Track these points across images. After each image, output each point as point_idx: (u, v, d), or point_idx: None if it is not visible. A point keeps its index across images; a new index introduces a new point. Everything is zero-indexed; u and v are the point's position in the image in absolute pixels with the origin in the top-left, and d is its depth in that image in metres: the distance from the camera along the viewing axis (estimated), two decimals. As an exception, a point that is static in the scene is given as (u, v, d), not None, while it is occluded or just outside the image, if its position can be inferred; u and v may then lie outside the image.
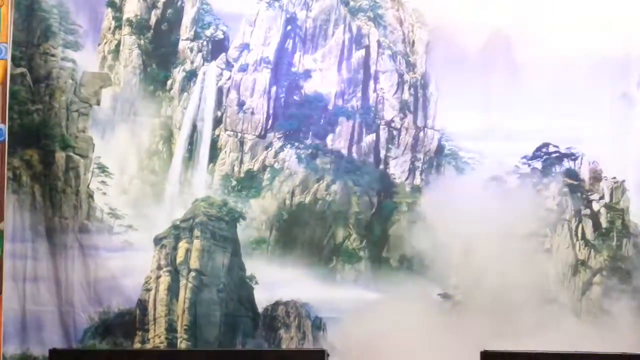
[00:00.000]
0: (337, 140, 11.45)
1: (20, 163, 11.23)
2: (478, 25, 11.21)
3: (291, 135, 11.42)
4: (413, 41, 11.55)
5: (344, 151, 11.43)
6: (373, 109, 11.49)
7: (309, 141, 11.43)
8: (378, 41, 11.54)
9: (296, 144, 11.34)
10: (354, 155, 11.41)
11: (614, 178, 11.14)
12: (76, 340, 11.03)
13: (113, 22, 11.61)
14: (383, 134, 11.47)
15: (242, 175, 11.38)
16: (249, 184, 11.33)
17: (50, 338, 10.91)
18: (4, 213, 10.64)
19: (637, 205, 11.01)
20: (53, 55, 11.42)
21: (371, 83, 11.52)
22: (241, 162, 11.37)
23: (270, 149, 11.33)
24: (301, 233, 11.18)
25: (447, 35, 11.33)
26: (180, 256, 11.18)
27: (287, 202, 11.31)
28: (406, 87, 11.52)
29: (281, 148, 11.41)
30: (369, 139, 11.45)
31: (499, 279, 11.04)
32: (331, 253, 11.18)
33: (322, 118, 11.46)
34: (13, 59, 11.00)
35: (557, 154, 11.19)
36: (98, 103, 11.39)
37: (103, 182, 11.35)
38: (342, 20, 11.53)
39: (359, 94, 11.49)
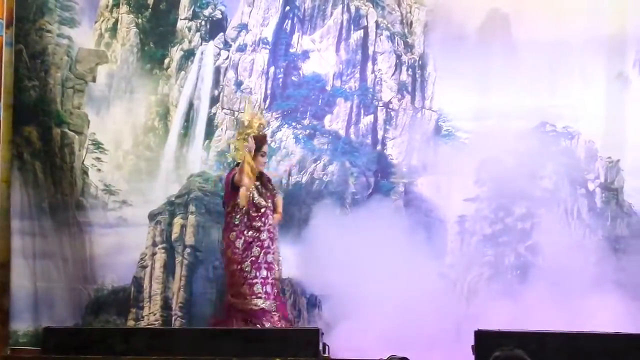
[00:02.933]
0: (335, 121, 11.80)
1: (21, 140, 11.66)
2: (476, 5, 11.57)
3: (289, 115, 11.75)
4: (411, 22, 11.88)
5: (342, 132, 11.75)
6: (371, 90, 11.82)
7: (306, 121, 11.76)
8: (376, 22, 11.88)
9: (293, 123, 11.66)
10: (352, 136, 11.75)
11: (609, 158, 11.41)
12: (82, 316, 11.38)
13: (111, 0, 12.04)
14: (381, 115, 11.82)
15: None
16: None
17: (60, 314, 11.28)
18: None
19: (631, 185, 11.28)
20: (49, 32, 11.81)
21: (369, 64, 11.84)
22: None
23: (267, 128, 11.45)
24: (297, 212, 11.43)
25: (445, 16, 11.65)
26: (175, 232, 11.49)
27: (284, 181, 11.58)
28: (404, 68, 11.84)
29: (278, 128, 11.74)
30: (366, 120, 11.79)
31: (495, 259, 11.45)
32: (326, 230, 11.34)
33: (320, 99, 11.79)
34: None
35: (554, 134, 11.46)
36: (94, 80, 11.79)
37: (98, 159, 11.69)
38: (341, 1, 11.88)
39: (357, 75, 11.83)
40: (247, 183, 9.22)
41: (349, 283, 10.96)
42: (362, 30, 11.88)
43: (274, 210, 9.56)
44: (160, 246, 11.47)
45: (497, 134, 11.37)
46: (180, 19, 11.97)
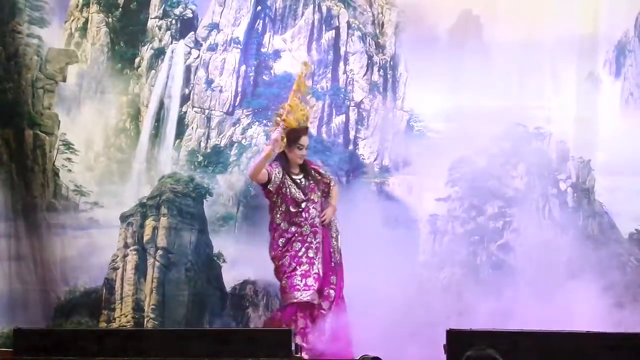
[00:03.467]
0: None
1: (1, 142, 11.60)
2: (447, 6, 11.62)
3: (259, 112, 11.76)
4: (382, 23, 11.93)
5: (314, 131, 11.60)
6: (343, 90, 11.87)
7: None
8: (348, 22, 11.92)
9: (264, 121, 11.62)
10: (324, 135, 11.79)
11: (580, 158, 11.51)
12: (52, 319, 11.29)
13: (80, 0, 11.99)
14: (353, 115, 11.87)
15: (208, 150, 11.68)
16: (215, 159, 11.62)
17: (34, 316, 11.19)
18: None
19: (602, 185, 11.39)
20: (19, 33, 11.72)
21: (341, 64, 11.90)
22: (208, 137, 11.67)
23: (238, 125, 11.68)
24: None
25: (417, 17, 11.69)
26: (147, 234, 11.45)
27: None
28: (376, 68, 11.90)
29: (249, 125, 11.75)
30: (338, 119, 11.85)
31: (467, 258, 11.51)
32: None
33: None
34: (-16, 38, 11.26)
35: (525, 134, 11.53)
36: (64, 80, 11.71)
37: (68, 159, 11.62)
38: (312, 1, 11.91)
39: (329, 75, 11.87)
40: (261, 177, 8.35)
41: None
42: (333, 31, 11.93)
43: (327, 202, 8.65)
44: (131, 248, 11.44)
45: (469, 134, 11.40)
46: (151, 18, 11.94)
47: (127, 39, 11.96)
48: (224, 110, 11.73)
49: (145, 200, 11.52)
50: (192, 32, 11.96)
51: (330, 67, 11.88)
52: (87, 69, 11.82)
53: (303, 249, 8.38)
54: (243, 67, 11.85)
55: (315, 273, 8.43)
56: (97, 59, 11.85)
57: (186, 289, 11.32)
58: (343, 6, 11.95)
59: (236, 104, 11.75)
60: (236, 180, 11.56)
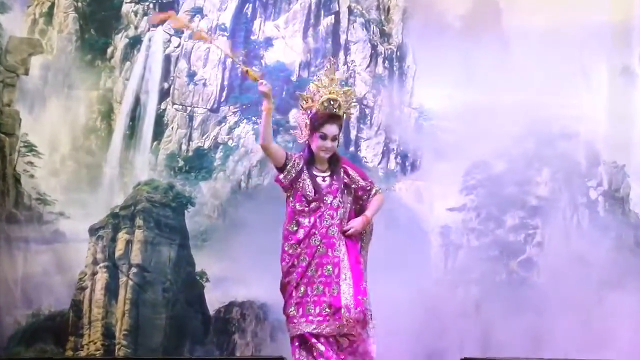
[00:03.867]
0: None
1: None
2: None
3: (248, 109, 11.07)
4: (388, 8, 11.35)
5: None
6: (343, 83, 11.11)
7: None
8: (349, 7, 11.31)
9: (254, 118, 10.98)
10: None
11: (614, 162, 10.84)
12: (6, 347, 10.43)
13: (46, -19, 11.20)
14: (354, 112, 11.12)
15: (190, 153, 11.01)
16: (198, 164, 10.96)
17: None
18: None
19: (639, 193, 10.71)
20: (-25, 18, 10.91)
21: (341, 54, 11.30)
22: (190, 139, 11.00)
23: (223, 124, 11.01)
24: (259, 221, 10.39)
25: (427, 1, 11.17)
26: (119, 249, 10.69)
27: (243, 184, 10.89)
28: (380, 59, 11.31)
29: (236, 123, 11.09)
30: None
31: (483, 276, 10.66)
32: None
33: (284, 91, 11.11)
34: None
35: (550, 135, 10.87)
36: (26, 73, 10.89)
37: (31, 163, 10.79)
38: None
39: (327, 66, 11.14)
40: (275, 153, 7.09)
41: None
42: (332, 16, 11.28)
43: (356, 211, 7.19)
44: (101, 265, 10.61)
45: (486, 134, 10.71)
46: (125, 2, 11.25)
47: (99, 26, 11.21)
48: (208, 107, 11.01)
49: (117, 211, 10.70)
50: None
51: (329, 57, 11.04)
52: (53, 60, 11.03)
53: (314, 266, 6.74)
54: (230, 58, 10.89)
55: (332, 296, 6.72)
56: (64, 49, 11.06)
57: (164, 311, 10.54)
58: (344, -12, 11.22)
59: (222, 100, 11.03)
60: (222, 187, 10.82)
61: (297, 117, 7.16)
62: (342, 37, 11.19)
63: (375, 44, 11.20)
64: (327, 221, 6.77)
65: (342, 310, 6.64)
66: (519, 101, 10.64)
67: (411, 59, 11.17)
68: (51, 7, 11.10)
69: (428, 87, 10.90)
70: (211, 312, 10.65)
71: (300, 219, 6.76)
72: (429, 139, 11.03)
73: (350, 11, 11.22)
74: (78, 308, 10.57)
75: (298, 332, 6.71)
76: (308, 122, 6.83)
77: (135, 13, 11.16)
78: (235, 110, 11.00)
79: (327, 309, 6.65)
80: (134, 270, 10.61)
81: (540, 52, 10.66)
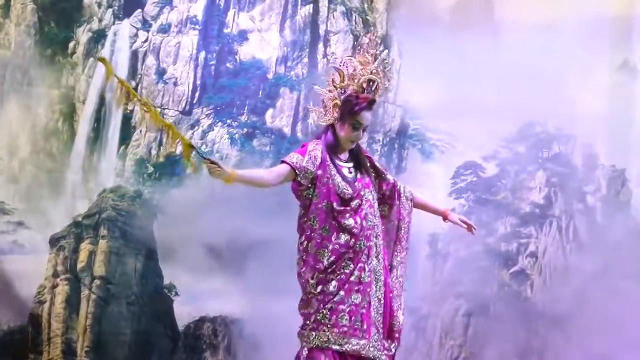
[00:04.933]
0: (279, 117, 10.80)
1: None
2: None
3: (223, 110, 10.71)
4: None
5: (287, 130, 10.77)
6: (322, 78, 10.70)
7: (244, 118, 10.73)
8: None
9: (229, 121, 10.65)
10: (299, 134, 10.80)
11: (613, 166, 10.37)
12: None
13: (2, -30, 10.80)
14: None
15: (161, 160, 10.64)
16: (169, 170, 10.59)
17: None
18: None
19: None
20: None
21: (320, 46, 10.91)
22: (160, 143, 10.59)
23: (196, 127, 10.65)
24: (233, 232, 10.23)
25: None
26: (81, 260, 10.34)
27: (217, 192, 10.14)
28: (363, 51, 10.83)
29: (210, 127, 10.74)
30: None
31: (473, 289, 10.17)
32: (270, 256, 10.16)
33: (261, 89, 10.77)
34: None
35: (545, 136, 10.47)
36: None
37: None
38: None
39: (306, 60, 10.88)
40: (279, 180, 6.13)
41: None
42: (311, 5, 10.89)
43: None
44: (62, 277, 10.26)
45: (476, 135, 10.34)
46: None
47: (59, 19, 10.83)
48: (179, 109, 10.63)
49: (80, 219, 10.36)
50: (140, 10, 10.85)
51: (307, 50, 10.84)
52: (10, 56, 10.70)
53: (357, 272, 6.05)
54: (202, 54, 10.71)
55: (374, 310, 6.17)
56: (23, 44, 10.70)
57: (129, 327, 10.21)
58: (323, -25, 10.87)
59: (194, 101, 10.65)
60: (194, 196, 10.38)
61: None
62: (322, 28, 10.82)
63: (358, 34, 10.81)
64: (370, 221, 5.77)
65: (373, 330, 5.64)
66: (512, 99, 10.14)
67: (396, 51, 10.75)
68: (7, -1, 10.72)
69: (414, 83, 10.45)
70: (180, 327, 10.39)
71: (342, 221, 5.72)
72: (415, 139, 10.72)
73: (330, 0, 10.91)
74: (37, 323, 10.26)
75: (319, 343, 5.59)
76: (339, 103, 5.73)
77: (99, 4, 10.81)
78: (209, 112, 10.67)
79: (359, 323, 5.65)
80: (97, 282, 10.30)
81: (535, 46, 10.18)
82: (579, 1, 10.14)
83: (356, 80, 5.68)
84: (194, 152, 5.47)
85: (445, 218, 6.08)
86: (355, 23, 10.83)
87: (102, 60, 5.68)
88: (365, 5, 10.91)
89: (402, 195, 5.89)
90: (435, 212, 6.09)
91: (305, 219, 5.68)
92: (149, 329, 10.30)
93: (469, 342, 9.96)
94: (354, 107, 5.63)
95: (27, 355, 10.21)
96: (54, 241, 10.35)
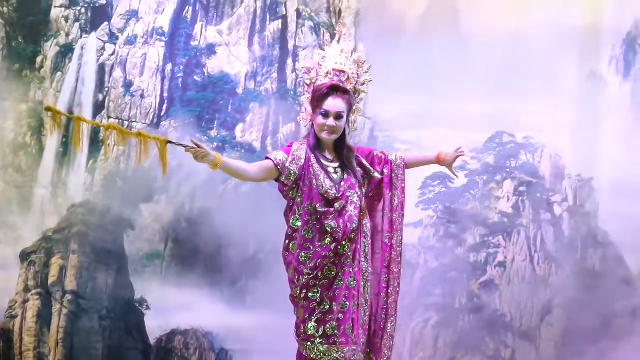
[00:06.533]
0: (249, 131, 10.75)
1: None
2: None
3: (191, 124, 10.63)
4: (340, 10, 10.92)
5: (257, 144, 10.71)
6: (292, 92, 10.81)
7: (213, 132, 10.69)
8: (297, 10, 10.91)
9: (198, 135, 10.48)
10: (269, 149, 10.59)
11: (579, 175, 10.41)
12: None
13: (-33, -15, 10.71)
14: (303, 123, 10.72)
15: (129, 173, 10.56)
16: (138, 185, 10.48)
17: None
18: None
19: (607, 209, 10.15)
20: None
21: (289, 61, 10.89)
22: (128, 157, 10.52)
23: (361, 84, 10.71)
24: (204, 245, 10.27)
25: (381, 3, 10.72)
26: (52, 275, 10.28)
27: (187, 207, 10.44)
28: None
29: (178, 140, 10.58)
30: (286, 129, 10.81)
31: (443, 300, 10.25)
32: (240, 270, 10.31)
33: (230, 104, 10.73)
34: None
35: (513, 145, 10.50)
36: None
37: None
38: None
39: (275, 75, 10.83)
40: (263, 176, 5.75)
41: (269, 335, 9.53)
42: (280, 21, 10.86)
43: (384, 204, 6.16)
44: (33, 292, 10.22)
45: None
46: (55, 7, 10.75)
47: (27, 33, 10.75)
48: (147, 122, 10.56)
49: (50, 234, 10.31)
50: (107, 23, 10.78)
51: (277, 65, 10.81)
52: None
53: (341, 276, 5.78)
54: (169, 66, 10.63)
55: (363, 312, 5.90)
56: None
57: (100, 340, 10.17)
58: (291, -10, 10.83)
59: (162, 114, 10.57)
60: (164, 210, 10.42)
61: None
62: (290, 43, 10.81)
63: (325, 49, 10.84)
64: (355, 223, 5.77)
65: (360, 332, 5.83)
66: (480, 109, 10.19)
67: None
68: (-26, 13, 10.61)
69: (383, 95, 10.34)
70: (152, 341, 10.33)
71: (325, 222, 5.71)
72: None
73: (299, 14, 10.82)
74: (8, 337, 10.19)
75: (313, 356, 5.80)
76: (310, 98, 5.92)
77: (66, 19, 10.70)
78: (177, 125, 10.58)
79: (350, 330, 5.78)
80: (68, 297, 10.24)
81: (501, 56, 10.21)
82: (546, 12, 10.13)
83: (322, 72, 5.91)
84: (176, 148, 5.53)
85: (439, 163, 6.21)
86: (323, 37, 10.86)
87: (49, 109, 5.57)
88: (333, 20, 10.86)
89: (392, 179, 6.02)
90: (430, 162, 6.30)
91: (288, 218, 5.75)
92: (121, 342, 10.26)
93: (438, 354, 9.96)
94: (316, 94, 5.80)
95: (-2, 369, 10.15)
96: (25, 256, 10.30)
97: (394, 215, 5.93)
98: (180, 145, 5.48)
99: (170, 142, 5.47)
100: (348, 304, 5.69)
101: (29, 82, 10.65)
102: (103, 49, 10.70)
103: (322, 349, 5.68)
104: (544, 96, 10.18)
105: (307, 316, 5.68)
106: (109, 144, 9.97)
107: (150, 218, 10.44)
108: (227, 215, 10.21)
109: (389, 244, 5.88)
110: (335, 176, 5.75)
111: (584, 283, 10.01)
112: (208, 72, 10.65)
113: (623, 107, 10.36)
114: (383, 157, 5.97)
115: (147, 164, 10.35)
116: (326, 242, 5.64)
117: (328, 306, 5.66)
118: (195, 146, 5.47)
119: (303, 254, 5.68)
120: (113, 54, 10.68)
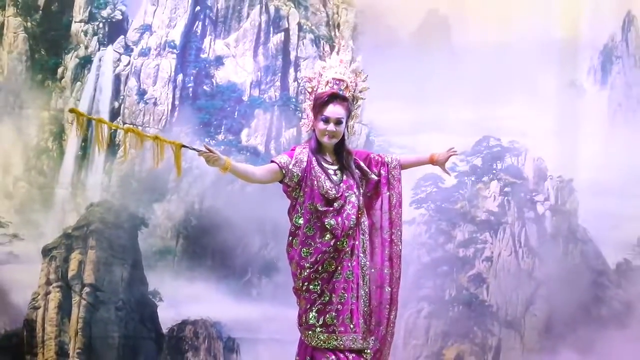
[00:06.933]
0: (253, 136, 11.10)
1: None
2: (412, 5, 10.94)
3: (201, 129, 10.97)
4: (338, 24, 11.25)
5: (261, 148, 11.04)
6: (293, 100, 11.13)
7: (221, 136, 11.02)
8: (299, 24, 11.23)
9: (206, 139, 10.82)
10: (272, 152, 10.93)
11: (560, 177, 10.82)
12: None
13: (-5, 1, 11.05)
14: (305, 128, 11.07)
15: (143, 174, 10.88)
16: (152, 185, 10.85)
17: None
18: None
19: (586, 208, 10.63)
20: None
21: (291, 71, 11.21)
22: (143, 159, 10.81)
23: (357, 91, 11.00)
24: (212, 242, 10.66)
25: (377, 18, 11.02)
26: (72, 269, 10.65)
27: (196, 206, 10.84)
28: None
29: (189, 144, 10.93)
30: (288, 134, 11.11)
31: (434, 292, 10.71)
32: (245, 264, 10.71)
33: (236, 110, 11.07)
34: None
35: (499, 149, 10.87)
36: None
37: None
38: (258, 1, 11.20)
39: (278, 84, 11.15)
40: (268, 178, 6.23)
41: (273, 325, 10.18)
42: (282, 33, 11.20)
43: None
44: (54, 285, 10.61)
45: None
46: (75, 22, 11.11)
47: (49, 46, 11.10)
48: (159, 127, 10.88)
49: (70, 231, 10.68)
50: (122, 36, 11.13)
51: (279, 74, 11.15)
52: (4, 81, 10.93)
53: (340, 270, 6.13)
54: (180, 76, 11.03)
55: (363, 303, 6.28)
56: (15, 69, 10.97)
57: (116, 330, 10.55)
58: (293, 6, 11.20)
59: (174, 120, 10.94)
60: (175, 209, 10.77)
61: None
62: (292, 54, 11.13)
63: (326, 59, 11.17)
64: (353, 221, 6.16)
65: (361, 321, 6.19)
66: (468, 116, 10.62)
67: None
68: (0, 27, 10.98)
69: (379, 103, 10.59)
70: (164, 330, 10.63)
71: (325, 221, 6.09)
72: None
73: (300, 28, 11.14)
74: (31, 327, 10.56)
75: (314, 344, 6.17)
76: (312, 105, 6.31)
77: (85, 33, 11.04)
78: (187, 130, 10.88)
79: (348, 319, 6.16)
80: (86, 289, 10.58)
81: (489, 66, 10.58)
82: (529, 25, 10.54)
83: (323, 81, 6.38)
84: (188, 151, 6.00)
85: (432, 163, 6.79)
86: (323, 49, 11.02)
87: (73, 110, 6.05)
88: (332, 33, 11.16)
89: (389, 180, 6.48)
90: (424, 163, 6.86)
91: (291, 216, 6.21)
92: (135, 332, 10.59)
93: (430, 342, 10.41)
94: (317, 101, 6.26)
95: (23, 356, 10.53)
96: (46, 252, 10.62)
97: (393, 213, 6.50)
98: (194, 149, 6.01)
99: (184, 146, 5.99)
100: (346, 295, 6.10)
101: (51, 91, 10.96)
102: (119, 60, 11.05)
103: (322, 337, 6.13)
104: (528, 103, 10.62)
105: (308, 307, 6.12)
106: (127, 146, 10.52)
107: (162, 216, 10.80)
108: (234, 214, 10.59)
109: (389, 240, 6.43)
110: (335, 178, 6.18)
111: (565, 276, 10.45)
112: (216, 81, 11.01)
113: (601, 114, 10.79)
114: (380, 159, 6.55)
115: (159, 165, 10.88)
116: (326, 238, 6.04)
117: (328, 298, 6.09)
118: (208, 151, 6.10)
119: (305, 250, 6.08)
120: (128, 64, 11.04)
